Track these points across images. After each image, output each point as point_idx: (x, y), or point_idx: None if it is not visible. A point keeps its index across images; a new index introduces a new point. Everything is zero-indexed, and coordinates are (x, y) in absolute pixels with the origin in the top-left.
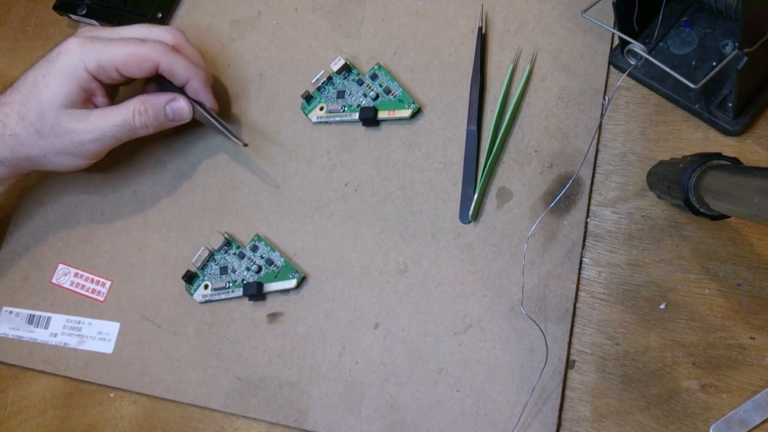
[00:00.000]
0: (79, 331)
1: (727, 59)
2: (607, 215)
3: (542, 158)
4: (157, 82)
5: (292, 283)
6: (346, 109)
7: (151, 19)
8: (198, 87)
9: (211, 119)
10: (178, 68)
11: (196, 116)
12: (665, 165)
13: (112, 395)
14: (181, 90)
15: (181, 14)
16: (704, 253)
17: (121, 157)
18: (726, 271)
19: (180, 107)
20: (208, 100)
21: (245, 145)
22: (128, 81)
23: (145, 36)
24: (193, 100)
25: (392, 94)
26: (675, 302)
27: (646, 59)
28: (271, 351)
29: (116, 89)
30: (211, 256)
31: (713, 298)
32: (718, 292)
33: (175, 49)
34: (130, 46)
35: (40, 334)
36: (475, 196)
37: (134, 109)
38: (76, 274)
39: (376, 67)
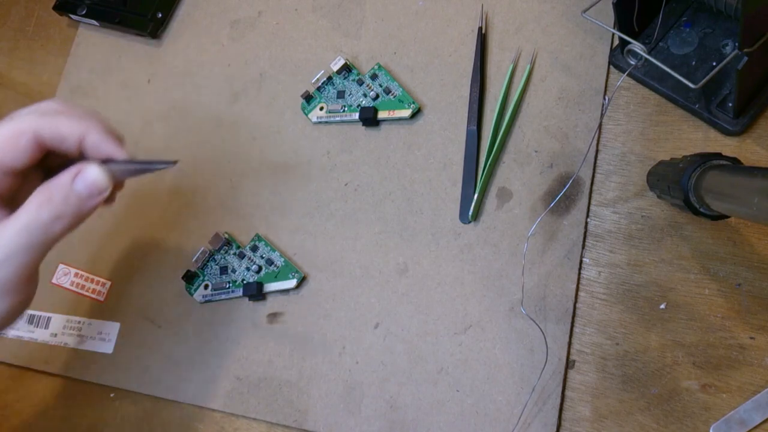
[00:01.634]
0: (79, 331)
1: (727, 59)
2: (607, 215)
3: (542, 158)
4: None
5: (292, 283)
6: (346, 109)
7: (151, 20)
8: (98, 139)
9: (132, 167)
10: (62, 127)
11: (118, 176)
12: (665, 165)
13: (112, 395)
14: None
15: (181, 14)
16: (704, 253)
17: None
18: (726, 271)
19: (91, 177)
20: (115, 148)
21: (175, 162)
22: (22, 182)
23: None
24: (103, 161)
25: (392, 94)
26: (675, 302)
27: (646, 59)
28: (271, 351)
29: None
30: (211, 256)
31: (713, 298)
32: (718, 292)
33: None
34: None
35: (40, 334)
36: (475, 196)
37: (36, 203)
38: (76, 274)
39: (376, 67)
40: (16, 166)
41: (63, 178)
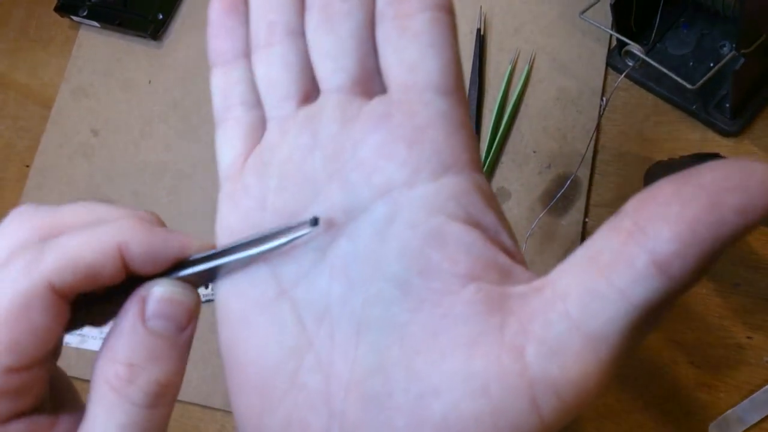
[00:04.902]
0: (81, 330)
1: (724, 60)
2: (605, 215)
3: (540, 159)
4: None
5: None
6: None
7: (152, 21)
8: (144, 239)
9: (224, 262)
10: (84, 254)
11: (200, 284)
12: (663, 166)
13: None
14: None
15: (182, 15)
16: None
17: (120, 157)
18: (724, 271)
19: (163, 298)
20: (180, 240)
21: (316, 222)
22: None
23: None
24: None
25: None
26: None
27: (644, 60)
28: None
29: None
30: None
31: (711, 298)
32: (716, 292)
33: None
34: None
35: None
36: None
37: (112, 387)
38: None
39: None
40: (40, 354)
41: (124, 326)
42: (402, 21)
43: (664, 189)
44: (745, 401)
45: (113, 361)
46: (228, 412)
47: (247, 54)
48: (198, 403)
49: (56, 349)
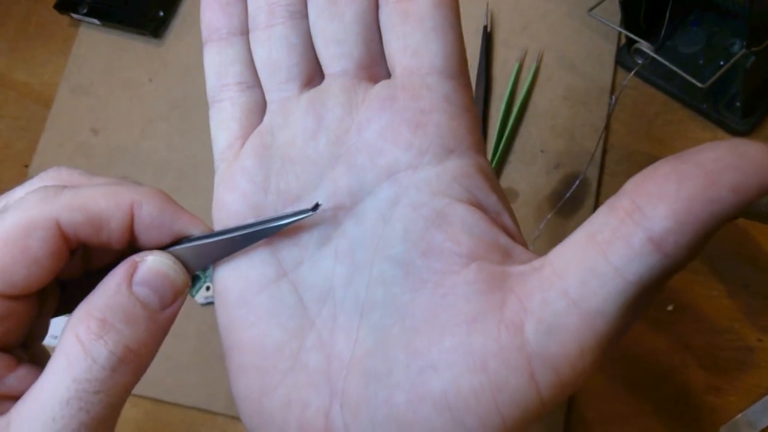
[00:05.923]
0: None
1: (735, 58)
2: None
3: (548, 158)
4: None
5: None
6: None
7: (152, 18)
8: (157, 210)
9: (221, 243)
10: (99, 203)
11: (196, 264)
12: None
13: None
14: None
15: (183, 13)
16: (712, 254)
17: (121, 157)
18: (734, 273)
19: (155, 269)
20: (188, 219)
21: (315, 208)
22: (40, 309)
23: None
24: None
25: None
26: (682, 304)
27: (653, 58)
28: None
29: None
30: None
31: (721, 300)
32: (725, 294)
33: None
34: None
35: None
36: None
37: (78, 339)
38: None
39: None
40: (26, 286)
41: (109, 285)
42: (404, 5)
43: (662, 168)
44: (756, 405)
45: (87, 315)
46: (229, 417)
47: (243, 32)
48: (199, 408)
49: (45, 287)
